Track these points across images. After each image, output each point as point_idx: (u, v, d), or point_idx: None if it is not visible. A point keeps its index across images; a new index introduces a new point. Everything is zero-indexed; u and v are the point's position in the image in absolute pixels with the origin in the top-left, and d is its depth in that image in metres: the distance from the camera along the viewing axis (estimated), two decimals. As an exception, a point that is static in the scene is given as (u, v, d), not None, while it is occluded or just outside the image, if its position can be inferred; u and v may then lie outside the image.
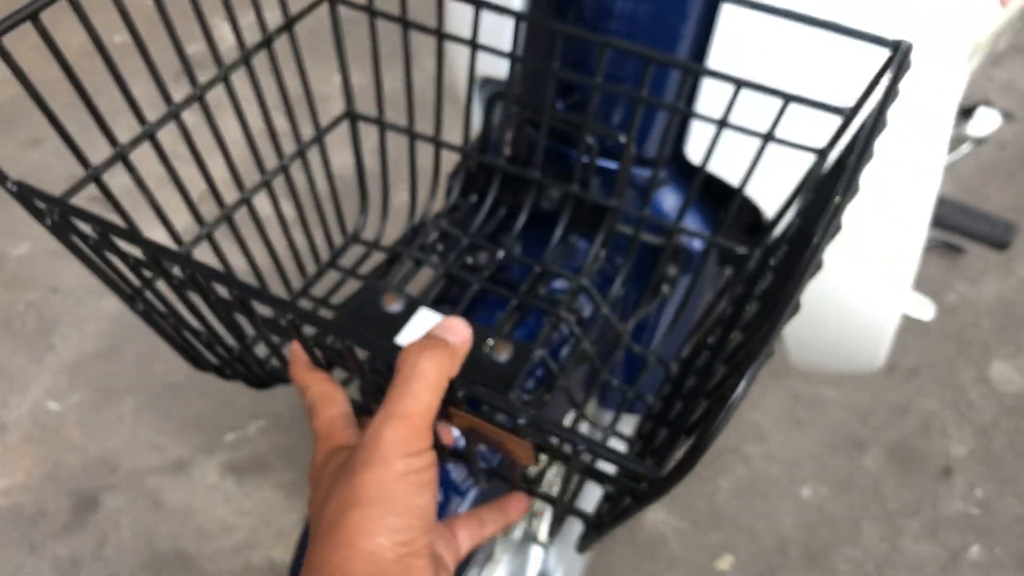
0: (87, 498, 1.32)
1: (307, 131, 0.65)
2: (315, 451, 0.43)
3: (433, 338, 0.40)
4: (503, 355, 0.54)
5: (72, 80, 0.48)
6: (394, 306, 0.57)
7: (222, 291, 0.42)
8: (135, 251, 0.43)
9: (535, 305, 0.59)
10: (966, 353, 1.47)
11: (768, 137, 0.54)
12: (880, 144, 0.68)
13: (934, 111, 0.68)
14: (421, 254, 0.62)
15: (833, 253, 0.80)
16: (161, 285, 0.53)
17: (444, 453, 0.49)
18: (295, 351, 0.45)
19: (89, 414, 1.41)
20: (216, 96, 0.58)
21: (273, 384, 0.58)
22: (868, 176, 0.70)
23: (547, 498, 0.47)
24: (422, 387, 0.38)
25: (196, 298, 0.48)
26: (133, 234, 0.41)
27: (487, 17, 0.60)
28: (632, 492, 0.39)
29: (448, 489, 0.58)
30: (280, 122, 0.60)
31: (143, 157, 0.55)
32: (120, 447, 1.37)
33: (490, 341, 0.54)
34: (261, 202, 0.62)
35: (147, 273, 0.50)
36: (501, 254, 0.61)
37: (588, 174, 0.62)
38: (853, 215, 0.74)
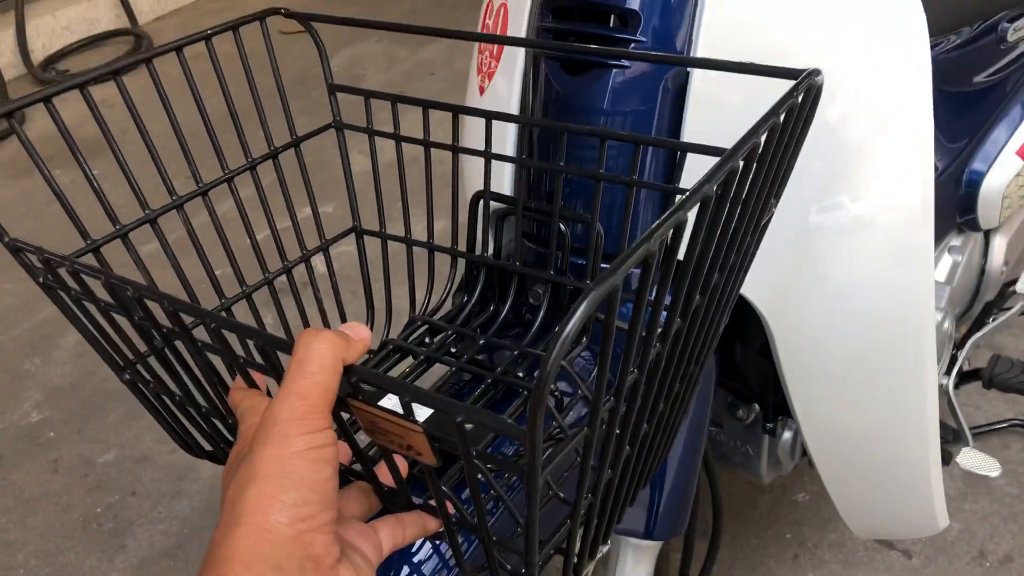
0: None
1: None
2: (231, 453, 0.45)
3: (330, 329, 0.42)
4: (469, 424, 0.55)
5: (80, 165, 0.55)
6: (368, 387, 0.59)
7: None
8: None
9: (511, 384, 0.60)
10: (1065, 538, 1.35)
11: (631, 183, 0.57)
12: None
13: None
14: (407, 344, 0.64)
15: (851, 383, 0.80)
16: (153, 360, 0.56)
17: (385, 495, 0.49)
18: (237, 378, 0.48)
19: (149, 611, 1.41)
20: (228, 207, 0.64)
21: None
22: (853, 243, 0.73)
23: (466, 525, 0.47)
24: (316, 368, 0.40)
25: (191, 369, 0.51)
26: (152, 289, 0.45)
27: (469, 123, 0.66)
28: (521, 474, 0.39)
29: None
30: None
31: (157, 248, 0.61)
32: (174, 643, 1.36)
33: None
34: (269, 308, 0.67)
35: (153, 335, 0.53)
36: (480, 341, 0.63)
37: (564, 262, 0.65)
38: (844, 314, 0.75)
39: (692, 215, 0.40)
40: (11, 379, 1.88)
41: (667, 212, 0.37)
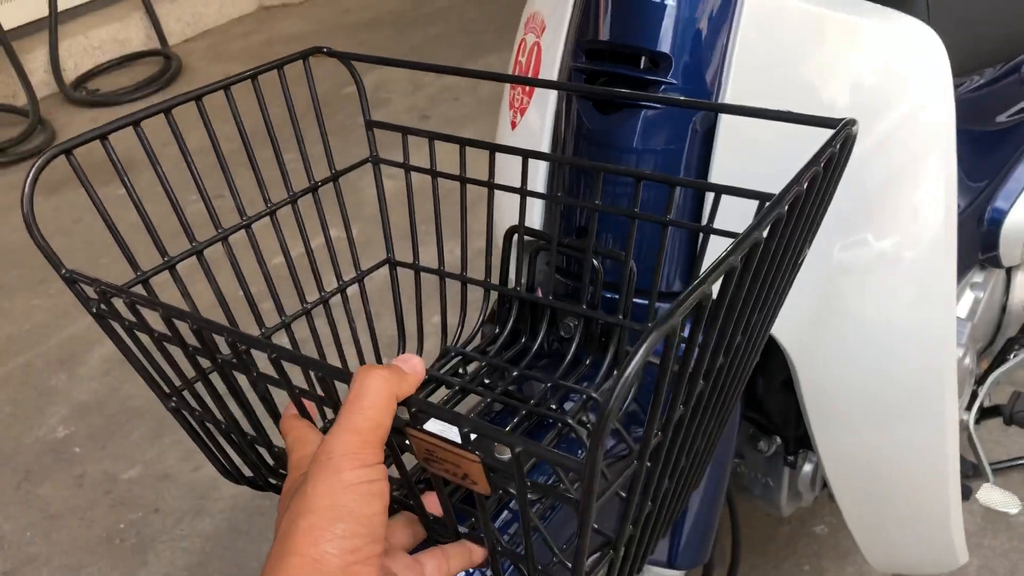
0: None
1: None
2: (285, 484, 0.47)
3: (385, 365, 0.44)
4: (505, 455, 0.57)
5: (133, 201, 0.58)
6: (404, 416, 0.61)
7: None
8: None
9: (545, 416, 0.62)
10: (1085, 576, 1.35)
11: (666, 223, 0.59)
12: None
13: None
14: (442, 375, 0.66)
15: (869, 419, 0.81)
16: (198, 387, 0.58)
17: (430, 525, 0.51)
18: (288, 405, 0.49)
19: (170, 627, 1.43)
20: (268, 233, 0.66)
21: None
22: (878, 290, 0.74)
23: (511, 554, 0.48)
24: (369, 403, 0.42)
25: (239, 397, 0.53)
26: (198, 316, 0.47)
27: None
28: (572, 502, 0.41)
29: None
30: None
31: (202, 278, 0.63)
32: (195, 661, 1.37)
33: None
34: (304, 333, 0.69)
35: (202, 362, 0.54)
36: (514, 373, 0.65)
37: (596, 297, 0.66)
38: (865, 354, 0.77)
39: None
40: (38, 395, 1.91)
41: (718, 257, 0.39)
